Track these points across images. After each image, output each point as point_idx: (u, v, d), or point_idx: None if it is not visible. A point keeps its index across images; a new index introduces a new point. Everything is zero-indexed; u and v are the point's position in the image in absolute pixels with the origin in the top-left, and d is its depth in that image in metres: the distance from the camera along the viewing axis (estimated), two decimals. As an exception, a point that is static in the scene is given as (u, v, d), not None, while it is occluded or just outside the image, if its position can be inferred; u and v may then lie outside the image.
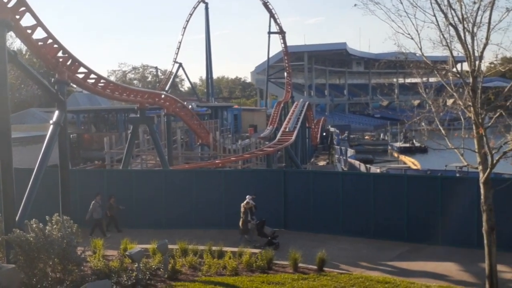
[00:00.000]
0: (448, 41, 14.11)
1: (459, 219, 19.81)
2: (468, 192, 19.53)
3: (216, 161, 37.84)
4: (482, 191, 14.07)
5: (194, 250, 18.09)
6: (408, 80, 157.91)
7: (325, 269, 16.85)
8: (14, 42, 59.16)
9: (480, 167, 14.03)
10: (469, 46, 13.74)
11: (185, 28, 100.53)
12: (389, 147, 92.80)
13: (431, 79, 17.62)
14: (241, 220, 20.49)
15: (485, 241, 14.13)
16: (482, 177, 14.01)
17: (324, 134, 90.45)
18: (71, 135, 45.27)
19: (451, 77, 15.12)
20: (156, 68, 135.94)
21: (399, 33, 14.35)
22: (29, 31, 19.49)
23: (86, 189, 23.46)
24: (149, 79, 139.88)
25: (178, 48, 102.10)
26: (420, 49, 14.41)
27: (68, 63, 22.42)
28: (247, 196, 20.79)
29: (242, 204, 20.54)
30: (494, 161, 13.78)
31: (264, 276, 16.13)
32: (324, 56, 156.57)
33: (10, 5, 17.64)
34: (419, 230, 20.49)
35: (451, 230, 19.97)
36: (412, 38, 14.31)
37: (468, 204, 19.49)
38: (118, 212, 22.79)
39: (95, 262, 16.46)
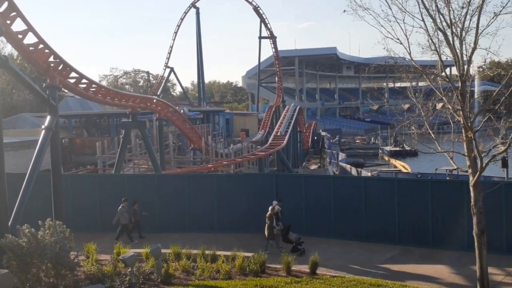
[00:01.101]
0: (437, 45, 14.28)
1: (450, 222, 20.01)
2: (458, 195, 19.71)
3: (208, 165, 37.90)
4: (472, 194, 14.23)
5: (187, 254, 18.13)
6: (398, 84, 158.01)
7: (318, 272, 16.94)
8: (5, 47, 59.13)
9: (470, 171, 14.20)
10: (458, 51, 13.91)
11: (176, 32, 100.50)
12: (380, 151, 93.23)
13: (421, 83, 17.85)
14: (266, 225, 20.06)
15: (476, 244, 14.27)
16: (472, 180, 14.17)
17: (316, 138, 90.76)
18: (63, 140, 45.17)
19: (440, 81, 15.29)
20: (147, 72, 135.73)
21: (389, 38, 14.49)
22: (20, 36, 19.52)
23: (79, 194, 23.47)
24: (141, 83, 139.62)
25: (170, 53, 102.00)
26: (409, 53, 14.57)
27: (60, 68, 22.46)
28: (273, 202, 20.58)
29: (269, 209, 20.15)
30: (484, 164, 13.94)
31: (257, 279, 16.17)
32: (315, 61, 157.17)
33: (0, 10, 17.68)
34: (410, 233, 20.65)
35: (441, 233, 20.16)
36: (401, 43, 14.46)
37: (458, 207, 19.66)
38: (142, 218, 22.48)
39: (88, 266, 16.44)
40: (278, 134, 54.29)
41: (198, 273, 16.67)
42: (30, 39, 20.15)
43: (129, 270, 15.72)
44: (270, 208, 20.21)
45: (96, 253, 17.97)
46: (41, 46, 20.81)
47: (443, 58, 14.60)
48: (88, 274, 15.83)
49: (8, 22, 18.31)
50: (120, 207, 21.91)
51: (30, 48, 20.41)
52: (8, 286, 14.04)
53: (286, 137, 52.05)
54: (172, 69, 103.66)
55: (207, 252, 18.16)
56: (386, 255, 19.52)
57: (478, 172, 13.98)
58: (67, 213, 21.09)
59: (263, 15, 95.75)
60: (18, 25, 19.06)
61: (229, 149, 51.74)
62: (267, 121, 74.38)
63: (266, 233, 20.06)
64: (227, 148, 53.63)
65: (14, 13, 18.43)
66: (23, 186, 17.98)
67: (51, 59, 21.67)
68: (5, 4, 17.81)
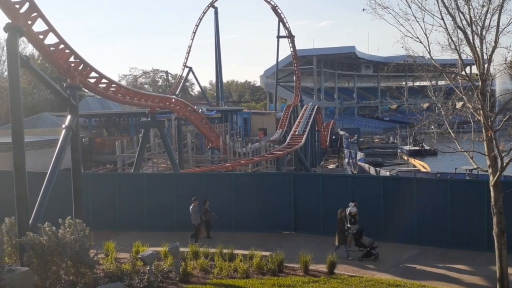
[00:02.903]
0: (457, 44, 14.15)
1: (469, 222, 19.82)
2: (478, 195, 19.55)
3: (226, 165, 38.00)
4: (492, 194, 14.09)
5: (205, 253, 18.23)
6: (417, 83, 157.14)
7: (336, 272, 16.92)
8: (26, 47, 59.86)
9: (490, 170, 14.06)
10: (478, 49, 13.77)
11: (194, 32, 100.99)
12: (399, 150, 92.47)
13: (440, 82, 17.67)
14: (338, 229, 19.11)
15: (496, 244, 14.13)
16: (492, 180, 14.03)
17: (334, 137, 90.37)
18: (83, 139, 45.57)
19: (460, 80, 15.16)
20: (166, 72, 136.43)
21: (408, 36, 14.39)
22: (41, 36, 19.74)
23: (98, 193, 23.71)
24: (160, 83, 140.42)
25: (188, 53, 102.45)
26: (429, 52, 14.45)
27: (80, 68, 22.67)
28: (350, 203, 19.92)
29: (338, 212, 19.31)
30: (504, 164, 13.79)
31: (275, 279, 16.21)
32: (333, 60, 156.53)
33: (22, 11, 17.88)
34: (429, 233, 20.49)
35: (461, 233, 19.99)
36: (420, 42, 14.34)
37: (478, 207, 19.49)
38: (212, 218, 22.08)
39: (107, 264, 16.63)
40: (296, 133, 54.26)
41: (216, 272, 16.75)
42: (51, 39, 20.37)
43: (147, 268, 15.85)
44: (339, 211, 19.33)
45: (115, 251, 18.17)
46: (61, 46, 21.03)
47: (463, 57, 14.46)
48: (107, 272, 16.00)
49: (29, 22, 18.51)
50: (191, 207, 21.56)
51: (51, 48, 20.61)
52: (28, 284, 14.24)
53: (304, 137, 51.99)
54: (190, 69, 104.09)
55: (224, 251, 18.22)
56: (405, 255, 19.40)
57: (499, 172, 13.84)
58: (87, 211, 21.32)
59: (281, 14, 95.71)
60: (39, 26, 19.29)
61: (247, 148, 51.80)
62: (285, 120, 74.35)
63: (336, 237, 19.07)
64: (245, 147, 53.69)
65: (35, 14, 18.64)
66: (43, 185, 18.18)
67: (72, 59, 21.88)
68: (27, 5, 18.03)
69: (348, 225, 19.35)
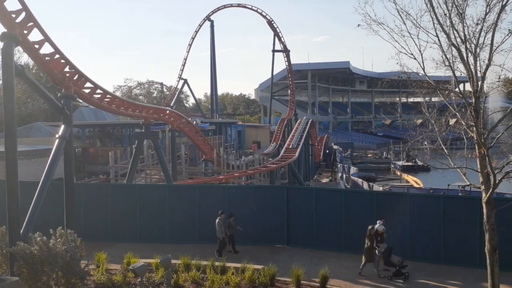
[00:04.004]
0: (451, 61, 14.27)
1: (461, 238, 19.85)
2: (470, 212, 19.59)
3: (220, 177, 37.94)
4: (484, 210, 14.13)
5: (197, 265, 18.13)
6: (411, 99, 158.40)
7: (328, 286, 16.87)
8: (21, 57, 59.81)
9: (483, 187, 14.11)
10: (472, 67, 13.89)
11: (190, 45, 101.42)
12: (392, 166, 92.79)
13: (434, 99, 17.79)
14: (366, 246, 18.68)
15: (488, 261, 14.15)
16: (484, 197, 14.08)
17: (327, 151, 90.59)
18: (76, 149, 45.47)
19: (453, 97, 15.27)
20: (161, 84, 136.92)
21: (402, 53, 14.52)
22: (36, 46, 19.72)
23: (91, 203, 23.61)
24: (155, 94, 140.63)
25: (184, 65, 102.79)
26: (423, 69, 14.57)
27: (75, 78, 22.65)
28: (378, 221, 19.29)
29: (368, 229, 18.87)
30: (497, 181, 13.85)
31: (266, 292, 16.14)
32: (328, 74, 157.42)
33: (18, 20, 17.91)
34: (421, 249, 20.51)
35: (453, 249, 20.00)
36: (415, 58, 14.47)
37: (470, 224, 19.53)
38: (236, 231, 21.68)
39: (98, 276, 16.53)
40: (290, 147, 54.30)
41: (207, 285, 16.67)
42: (46, 49, 20.34)
43: (138, 280, 15.76)
44: (369, 228, 18.85)
45: (106, 263, 18.05)
46: (57, 56, 21.03)
47: (457, 74, 14.57)
48: (98, 283, 15.91)
49: (25, 32, 18.53)
50: (217, 220, 21.21)
51: (46, 58, 20.60)
52: (18, 294, 14.12)
53: (298, 150, 52.05)
54: (185, 81, 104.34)
55: (216, 263, 18.15)
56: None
57: (491, 189, 13.89)
58: (79, 221, 21.20)
59: (277, 29, 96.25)
60: (35, 35, 19.32)
61: (241, 161, 51.78)
62: (279, 133, 74.46)
63: (364, 254, 18.69)
64: (238, 160, 53.69)
65: (31, 23, 18.66)
66: (35, 194, 18.07)
67: (67, 69, 21.88)
68: (23, 15, 18.07)
69: (376, 244, 18.69)
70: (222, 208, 22.86)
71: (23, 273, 14.62)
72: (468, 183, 15.47)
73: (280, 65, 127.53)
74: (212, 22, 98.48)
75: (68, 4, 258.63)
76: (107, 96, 27.12)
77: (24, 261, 14.62)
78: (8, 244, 15.93)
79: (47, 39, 19.95)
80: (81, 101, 29.73)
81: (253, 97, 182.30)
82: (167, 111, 39.54)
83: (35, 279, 14.59)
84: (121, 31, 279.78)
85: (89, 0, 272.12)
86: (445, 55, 14.26)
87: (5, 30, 17.07)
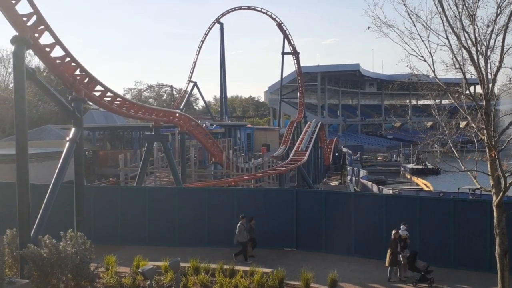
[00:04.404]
0: (461, 63, 14.21)
1: (472, 242, 19.69)
2: (481, 215, 19.45)
3: (229, 180, 37.94)
4: (495, 214, 14.04)
5: (206, 268, 18.14)
6: (421, 102, 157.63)
7: (337, 290, 16.81)
8: (32, 60, 60.22)
9: (493, 190, 14.02)
10: (483, 69, 13.82)
11: (200, 48, 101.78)
12: (402, 169, 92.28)
13: (444, 101, 17.67)
14: (389, 251, 18.49)
15: (498, 265, 14.05)
16: (495, 200, 13.99)
17: (337, 154, 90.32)
18: (87, 152, 45.65)
19: (464, 100, 15.18)
20: (171, 86, 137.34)
21: (412, 55, 14.47)
22: (47, 49, 19.82)
23: (101, 206, 23.70)
24: (164, 97, 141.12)
25: (193, 68, 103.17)
26: (433, 71, 14.51)
27: (85, 81, 22.75)
28: (401, 226, 19.00)
29: (393, 233, 18.64)
30: (507, 184, 13.76)
31: (276, 295, 16.10)
32: (337, 77, 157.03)
33: (29, 23, 18.01)
34: (431, 253, 20.33)
35: (463, 253, 19.84)
36: (425, 60, 14.41)
37: (480, 227, 19.38)
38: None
39: (107, 278, 16.57)
40: (299, 149, 54.25)
41: (216, 288, 16.65)
42: (57, 52, 20.44)
43: (148, 283, 15.76)
44: (393, 232, 18.62)
45: (115, 265, 18.10)
46: (67, 59, 21.12)
47: (468, 76, 14.51)
48: (107, 286, 15.96)
49: (36, 35, 18.63)
50: (238, 224, 21.04)
51: (57, 61, 20.69)
52: (28, 296, 14.18)
53: (307, 153, 51.97)
54: (195, 84, 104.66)
55: (225, 266, 18.15)
56: (407, 274, 19.22)
57: (502, 192, 13.81)
58: (89, 224, 21.27)
59: (287, 31, 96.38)
60: (46, 39, 19.40)
61: (250, 164, 51.76)
62: (288, 136, 74.40)
63: (388, 259, 18.47)
64: (247, 163, 53.66)
65: (42, 27, 18.75)
66: (46, 197, 18.17)
67: (77, 72, 21.97)
68: (34, 18, 18.18)
69: (399, 249, 18.45)
70: (231, 211, 22.90)
71: (33, 276, 14.68)
72: (478, 186, 15.38)
73: (290, 67, 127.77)
74: (221, 24, 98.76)
75: (75, 8, 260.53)
76: (117, 99, 27.24)
77: (34, 263, 14.68)
78: (18, 247, 16.00)
79: (58, 42, 20.03)
80: (91, 104, 29.83)
81: (262, 99, 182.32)
82: (177, 114, 39.62)
83: (45, 281, 14.64)
84: (132, 34, 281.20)
85: (97, 5, 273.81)
86: (455, 57, 14.20)
87: (17, 34, 17.18)
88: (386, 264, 18.47)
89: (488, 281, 17.28)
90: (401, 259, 18.33)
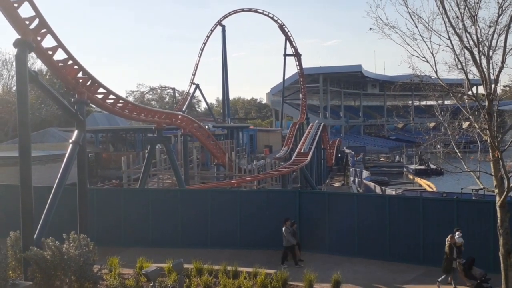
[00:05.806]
0: (464, 64, 14.19)
1: (475, 242, 19.63)
2: (484, 215, 19.42)
3: (232, 181, 37.95)
4: (498, 214, 14.02)
5: (209, 269, 18.14)
6: (424, 103, 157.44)
7: (340, 291, 16.79)
8: (35, 63, 60.28)
9: (497, 191, 14.00)
10: (485, 70, 13.80)
11: (202, 50, 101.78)
12: (405, 169, 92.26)
13: (447, 102, 17.64)
14: (444, 257, 17.95)
15: (502, 265, 14.02)
16: (498, 201, 13.97)
17: (339, 155, 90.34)
18: (90, 154, 45.72)
19: (466, 100, 15.17)
20: (173, 89, 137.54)
21: (414, 56, 14.44)
22: (50, 52, 19.86)
23: (103, 208, 23.72)
24: (167, 99, 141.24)
25: (195, 70, 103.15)
26: (436, 72, 14.48)
27: (88, 83, 22.79)
28: (456, 232, 18.19)
29: (448, 239, 17.97)
30: (511, 184, 13.73)
31: (279, 297, 16.09)
32: (340, 78, 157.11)
33: (32, 26, 18.05)
34: (435, 253, 20.27)
35: (467, 253, 19.77)
36: (427, 61, 14.39)
37: (484, 228, 19.35)
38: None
39: (111, 280, 16.58)
40: (302, 151, 54.28)
41: (219, 289, 16.64)
42: (59, 55, 20.47)
43: (151, 284, 15.80)
44: (448, 238, 17.96)
45: (119, 267, 18.10)
46: (70, 62, 21.15)
47: (470, 76, 14.49)
48: (110, 288, 15.94)
49: (39, 38, 18.68)
50: (284, 228, 20.65)
51: (60, 64, 20.73)
52: (32, 298, 14.21)
53: (310, 154, 52.01)
54: (197, 86, 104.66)
55: (229, 268, 18.14)
56: (410, 275, 19.22)
57: (505, 192, 13.78)
58: (92, 226, 21.29)
59: (288, 33, 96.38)
60: (48, 42, 19.47)
61: (253, 165, 51.78)
62: (291, 137, 74.42)
63: (443, 265, 17.97)
64: (250, 164, 53.66)
65: (44, 30, 18.79)
66: (49, 199, 18.22)
67: (80, 75, 22.01)
68: (36, 21, 18.22)
69: (455, 255, 17.78)
70: (234, 212, 22.91)
71: (37, 278, 14.71)
72: (481, 186, 15.36)
73: (292, 69, 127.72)
74: (223, 27, 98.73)
75: (77, 11, 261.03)
76: (120, 101, 27.27)
77: (37, 265, 14.71)
78: (21, 249, 16.04)
79: (60, 45, 20.07)
80: (94, 106, 29.91)
81: (264, 101, 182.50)
82: (179, 116, 39.65)
83: (48, 283, 14.67)
84: (133, 36, 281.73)
85: (99, 9, 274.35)
86: (457, 58, 14.18)
87: (19, 37, 17.21)
88: (443, 271, 17.85)
89: (492, 282, 17.20)
90: (457, 266, 17.65)
